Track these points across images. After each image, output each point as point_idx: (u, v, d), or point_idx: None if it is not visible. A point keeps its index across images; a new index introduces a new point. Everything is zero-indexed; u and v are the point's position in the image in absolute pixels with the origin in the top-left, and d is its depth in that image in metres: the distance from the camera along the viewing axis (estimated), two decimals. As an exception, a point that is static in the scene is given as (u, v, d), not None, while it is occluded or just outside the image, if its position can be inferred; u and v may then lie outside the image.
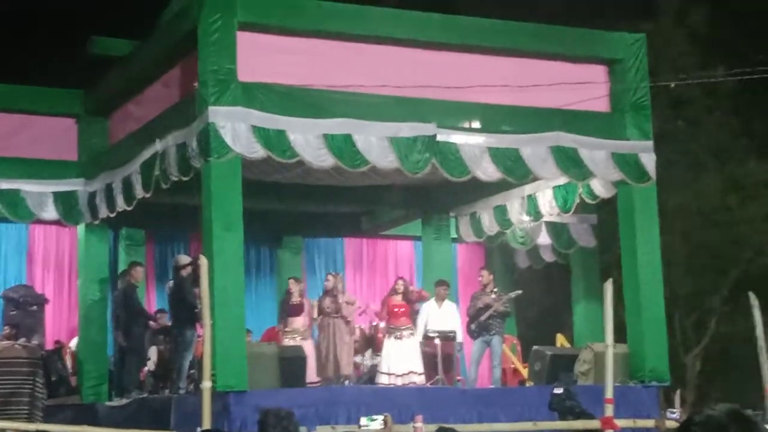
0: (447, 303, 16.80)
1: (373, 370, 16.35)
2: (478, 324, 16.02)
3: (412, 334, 15.90)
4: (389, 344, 15.77)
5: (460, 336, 16.64)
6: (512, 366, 17.77)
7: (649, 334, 14.79)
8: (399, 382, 15.31)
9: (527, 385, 16.18)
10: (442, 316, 16.51)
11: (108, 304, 16.99)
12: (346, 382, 15.53)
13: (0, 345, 16.59)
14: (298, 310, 16.05)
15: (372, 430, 9.36)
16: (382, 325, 16.54)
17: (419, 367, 15.69)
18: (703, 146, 26.49)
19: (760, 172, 26.41)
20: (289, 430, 6.68)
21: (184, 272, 15.49)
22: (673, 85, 19.94)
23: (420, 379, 15.55)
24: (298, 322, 15.98)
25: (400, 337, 15.77)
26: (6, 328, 16.94)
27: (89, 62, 17.07)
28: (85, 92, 17.18)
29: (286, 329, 15.91)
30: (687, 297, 25.20)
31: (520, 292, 16.94)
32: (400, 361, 15.60)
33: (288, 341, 15.53)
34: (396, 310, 16.00)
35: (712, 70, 24.08)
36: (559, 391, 11.70)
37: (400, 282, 16.52)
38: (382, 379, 15.53)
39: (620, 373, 14.03)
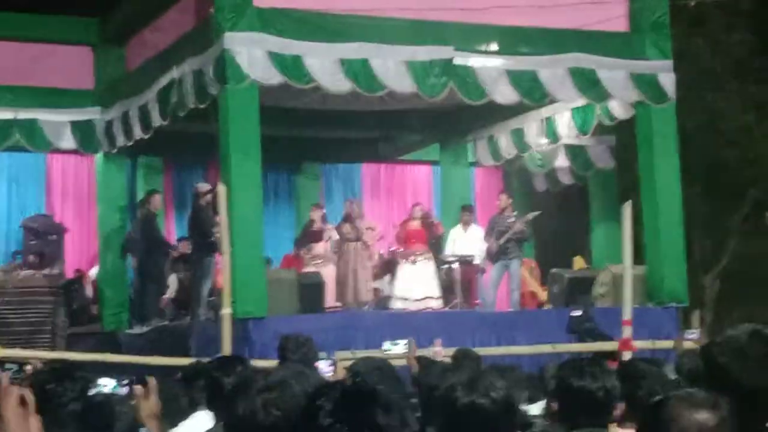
0: (472, 228, 16.86)
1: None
2: (498, 246, 16.04)
3: (427, 259, 15.95)
4: (405, 269, 15.83)
5: (481, 260, 16.69)
6: (530, 289, 17.81)
7: (668, 255, 14.78)
8: (414, 307, 15.38)
9: (545, 308, 16.23)
10: (468, 241, 16.58)
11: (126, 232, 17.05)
12: (366, 307, 15.61)
13: (21, 274, 16.72)
14: (319, 236, 16.15)
15: (395, 354, 9.40)
16: (385, 251, 16.58)
17: (436, 291, 15.75)
18: (723, 65, 26.24)
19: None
20: (308, 355, 6.75)
21: (204, 200, 15.51)
22: (692, 2, 19.72)
23: (437, 304, 15.62)
24: (320, 247, 16.11)
25: (415, 262, 15.82)
26: (30, 256, 17.03)
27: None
28: (101, 20, 17.10)
29: (309, 255, 16.02)
30: (706, 217, 25.13)
31: (538, 213, 16.96)
32: (416, 286, 15.66)
33: (311, 267, 15.62)
34: (412, 235, 16.03)
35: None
36: (577, 313, 11.77)
37: (417, 208, 16.55)
38: (397, 304, 15.61)
39: (639, 294, 14.05)
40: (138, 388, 5.00)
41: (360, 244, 15.83)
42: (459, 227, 16.85)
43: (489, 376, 3.66)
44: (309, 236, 16.16)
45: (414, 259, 15.85)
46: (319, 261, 15.91)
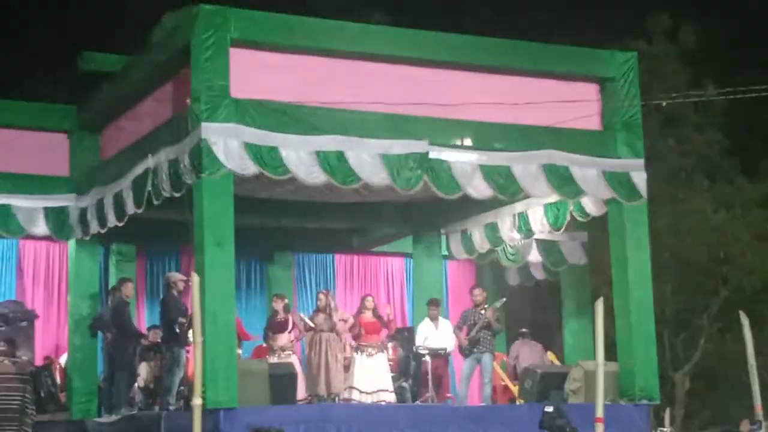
0: (442, 321, 16.91)
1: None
2: (469, 340, 16.02)
3: (381, 351, 15.93)
4: (360, 361, 15.78)
5: (451, 353, 16.67)
6: (502, 383, 17.77)
7: (640, 352, 14.80)
8: (369, 399, 15.33)
9: (517, 402, 16.17)
10: (440, 334, 16.58)
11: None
12: (336, 400, 15.51)
13: (-10, 360, 16.54)
14: (282, 326, 16.13)
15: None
16: (353, 343, 16.51)
17: (389, 384, 15.71)
18: (694, 165, 26.56)
19: (749, 191, 26.49)
20: (280, 448, 6.69)
21: (175, 289, 15.49)
22: (664, 103, 20.02)
23: (390, 397, 15.56)
24: (283, 338, 16.06)
25: (371, 355, 15.77)
26: (1, 343, 16.85)
27: (80, 77, 17.05)
28: (77, 107, 17.17)
29: (272, 345, 15.97)
30: (676, 315, 25.23)
31: (505, 300, 17.02)
32: (371, 378, 15.60)
33: (273, 358, 15.55)
34: (367, 327, 16.00)
35: (703, 88, 24.16)
36: (549, 409, 11.71)
37: (369, 298, 16.52)
38: (354, 395, 15.55)
39: (610, 391, 14.04)
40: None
41: (332, 335, 15.78)
42: (428, 321, 16.85)
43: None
44: (272, 327, 16.14)
45: (370, 352, 15.80)
46: (283, 352, 15.84)
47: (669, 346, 25.02)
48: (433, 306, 16.95)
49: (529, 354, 17.40)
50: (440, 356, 16.45)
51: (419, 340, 16.59)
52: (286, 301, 16.79)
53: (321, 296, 16.27)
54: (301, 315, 16.47)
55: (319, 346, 15.70)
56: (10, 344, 16.83)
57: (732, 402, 22.58)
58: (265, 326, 16.61)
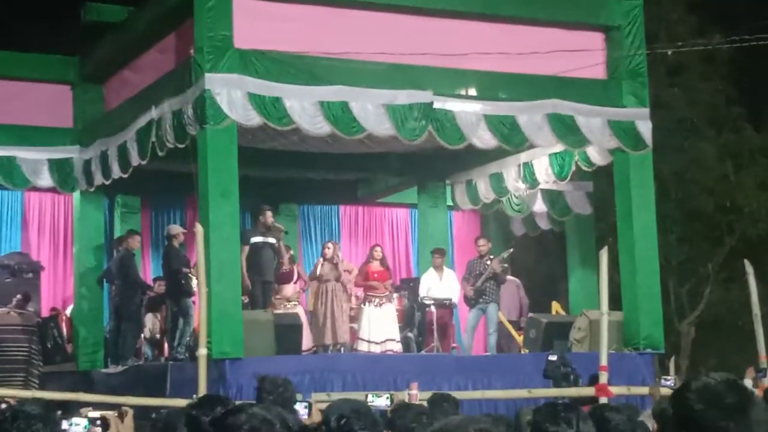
0: (446, 271, 16.85)
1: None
2: (475, 290, 16.04)
3: (389, 301, 15.96)
4: (368, 311, 15.81)
5: (457, 303, 16.69)
6: (507, 333, 17.80)
7: (644, 301, 14.82)
8: (377, 349, 15.38)
9: (522, 352, 16.22)
10: (444, 284, 16.56)
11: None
12: (342, 349, 15.57)
13: (-5, 312, 16.60)
14: (287, 277, 16.15)
15: (377, 406, 9.32)
16: (359, 293, 16.56)
17: (396, 334, 15.76)
18: (699, 114, 26.44)
19: (755, 140, 26.39)
20: (285, 396, 6.70)
21: (176, 241, 15.54)
22: (670, 52, 19.91)
23: (397, 347, 15.61)
24: (288, 289, 16.09)
25: (379, 305, 15.81)
26: (18, 296, 16.88)
27: (83, 28, 16.98)
28: (80, 59, 17.12)
29: (277, 296, 16.00)
30: (682, 264, 25.22)
31: (511, 250, 17.00)
32: (379, 328, 15.64)
33: (279, 309, 15.58)
34: (374, 276, 16.03)
35: (709, 37, 24.00)
36: (553, 357, 11.75)
37: (378, 248, 16.52)
38: (362, 346, 15.61)
39: (615, 340, 14.08)
40: (111, 415, 4.95)
41: (338, 285, 15.81)
42: (432, 271, 16.81)
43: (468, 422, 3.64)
44: (277, 278, 16.14)
45: (378, 302, 15.83)
46: (288, 303, 15.88)
47: (674, 295, 25.05)
48: (438, 255, 16.88)
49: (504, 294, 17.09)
50: (445, 306, 16.46)
51: (423, 290, 16.59)
52: (291, 252, 16.80)
53: (329, 246, 16.27)
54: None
55: (325, 296, 15.73)
56: (24, 297, 16.89)
57: (737, 350, 22.61)
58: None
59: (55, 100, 16.97)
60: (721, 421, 3.30)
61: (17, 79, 16.80)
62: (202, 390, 10.38)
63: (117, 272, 16.09)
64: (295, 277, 16.27)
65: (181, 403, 8.02)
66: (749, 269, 13.86)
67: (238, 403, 4.19)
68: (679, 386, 3.49)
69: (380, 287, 15.95)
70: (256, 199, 16.86)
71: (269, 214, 15.86)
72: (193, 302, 15.05)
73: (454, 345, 16.78)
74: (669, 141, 22.14)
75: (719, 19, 24.17)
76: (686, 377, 21.35)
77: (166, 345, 16.35)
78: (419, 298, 16.61)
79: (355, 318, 16.44)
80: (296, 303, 16.10)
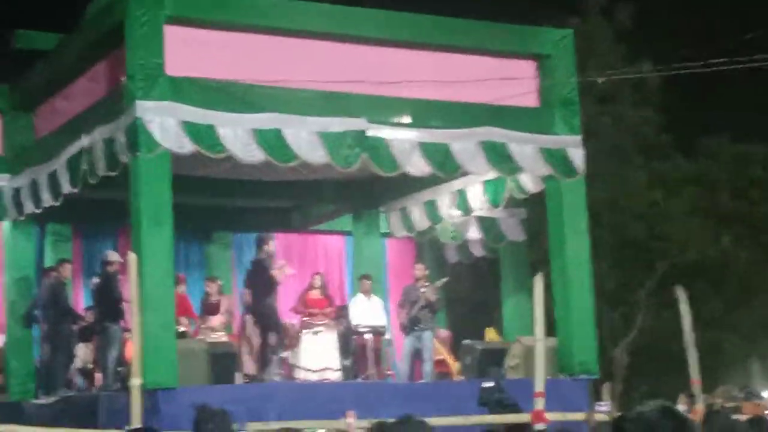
0: (374, 297, 16.90)
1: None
2: (410, 318, 16.04)
3: (329, 329, 15.94)
4: (306, 339, 15.80)
5: (389, 330, 16.70)
6: (441, 358, 17.78)
7: (578, 327, 14.91)
8: (314, 377, 15.34)
9: (458, 379, 16.22)
10: (371, 310, 16.58)
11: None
12: (276, 378, 15.47)
13: None
14: (214, 308, 16.10)
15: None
16: (297, 321, 16.53)
17: (335, 363, 15.72)
18: (630, 142, 26.77)
19: (684, 167, 26.77)
20: (222, 427, 6.63)
21: (111, 268, 15.37)
22: (600, 80, 20.13)
23: (335, 375, 15.57)
24: (216, 320, 16.03)
25: (316, 333, 15.79)
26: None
27: (13, 56, 16.80)
28: (10, 86, 16.92)
29: (203, 326, 15.93)
30: (614, 290, 25.46)
31: (446, 279, 17.06)
32: (317, 356, 15.61)
33: (205, 338, 15.49)
34: (314, 304, 16.00)
35: (638, 66, 24.33)
36: (488, 384, 11.78)
37: (318, 277, 16.58)
38: (300, 375, 15.56)
39: (550, 366, 14.12)
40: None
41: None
42: (360, 296, 16.84)
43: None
44: (205, 308, 16.13)
45: (316, 330, 15.82)
46: (213, 333, 15.78)
47: (607, 320, 25.26)
48: (366, 280, 16.96)
49: None
50: (379, 333, 16.47)
51: (354, 317, 16.58)
52: (220, 282, 16.75)
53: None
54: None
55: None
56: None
57: (670, 376, 22.83)
58: (200, 307, 16.58)
59: (-17, 128, 16.74)
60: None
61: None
62: (136, 421, 10.26)
63: (47, 301, 15.87)
64: (222, 308, 16.23)
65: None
66: (681, 296, 13.96)
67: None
68: (616, 416, 3.51)
69: (318, 315, 15.91)
70: (189, 227, 16.74)
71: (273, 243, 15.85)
72: (124, 330, 14.89)
73: (389, 372, 16.75)
74: (600, 168, 22.36)
75: (648, 48, 24.52)
76: (620, 403, 21.53)
77: (97, 375, 16.14)
78: (353, 325, 16.58)
79: (290, 346, 16.37)
80: (222, 333, 15.99)
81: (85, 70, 14.99)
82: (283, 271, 15.69)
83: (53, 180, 15.04)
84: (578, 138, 15.42)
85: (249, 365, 15.53)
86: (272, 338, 15.31)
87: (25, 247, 17.00)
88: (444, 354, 17.68)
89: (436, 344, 16.84)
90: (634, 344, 26.51)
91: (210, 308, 16.16)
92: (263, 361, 15.22)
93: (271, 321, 15.39)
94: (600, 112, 25.76)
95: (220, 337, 15.79)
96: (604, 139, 24.91)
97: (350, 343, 16.69)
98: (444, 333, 18.07)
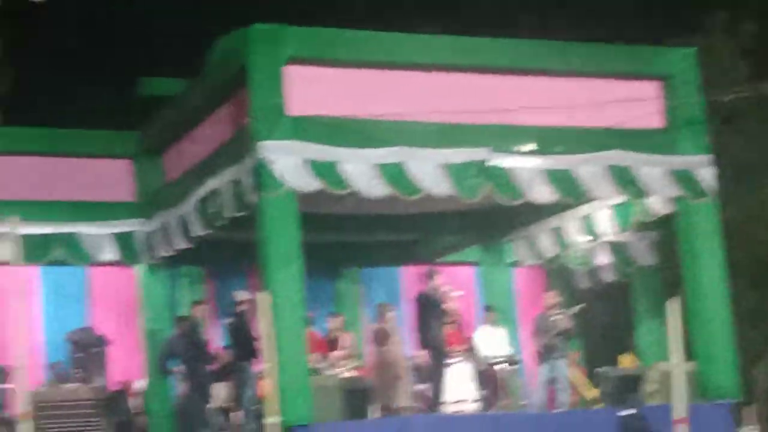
0: (499, 328, 16.87)
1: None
2: (545, 346, 15.88)
3: (464, 360, 15.86)
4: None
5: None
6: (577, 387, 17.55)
7: (717, 349, 14.58)
8: (451, 409, 15.26)
9: (597, 407, 15.97)
10: (497, 340, 16.54)
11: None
12: (413, 412, 15.42)
13: (65, 387, 16.65)
14: (333, 344, 16.11)
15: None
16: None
17: (472, 394, 15.62)
18: (760, 158, 26.21)
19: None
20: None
21: (242, 307, 15.50)
22: (726, 99, 19.74)
23: (473, 407, 15.46)
24: (334, 355, 16.02)
25: (453, 365, 15.75)
26: (77, 371, 16.95)
27: (140, 103, 17.17)
28: (140, 133, 17.28)
29: (324, 364, 15.97)
30: (753, 310, 24.85)
31: (582, 305, 16.85)
32: (453, 388, 15.55)
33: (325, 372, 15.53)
34: (448, 337, 15.98)
35: (763, 82, 23.83)
36: (628, 412, 11.55)
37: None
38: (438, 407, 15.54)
39: (689, 391, 13.81)
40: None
41: (394, 348, 15.73)
42: (486, 327, 16.82)
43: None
44: (327, 344, 16.19)
45: (453, 362, 15.77)
46: (331, 368, 15.77)
47: (747, 341, 24.65)
48: (490, 312, 17.15)
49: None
50: (513, 362, 16.37)
51: (479, 346, 16.53)
52: (342, 318, 16.77)
53: (378, 308, 16.31)
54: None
55: (383, 360, 15.66)
56: (84, 370, 16.93)
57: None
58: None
59: (116, 174, 17.13)
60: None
61: (78, 155, 17.00)
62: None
63: (185, 343, 16.04)
64: (341, 343, 16.26)
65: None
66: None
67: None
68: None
69: (453, 346, 15.89)
70: (318, 263, 16.80)
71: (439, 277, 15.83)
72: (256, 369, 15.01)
73: (523, 402, 16.58)
74: (732, 187, 21.94)
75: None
76: (766, 426, 20.94)
77: (234, 414, 16.26)
78: (483, 356, 16.50)
79: (425, 378, 16.33)
80: (342, 369, 15.95)
81: (211, 113, 15.24)
82: (452, 297, 15.64)
83: (184, 223, 15.29)
84: (707, 157, 15.12)
85: (383, 399, 15.50)
86: (439, 375, 15.20)
87: (160, 289, 17.28)
88: (580, 381, 17.43)
89: (573, 371, 16.64)
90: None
91: (330, 344, 16.19)
92: (436, 394, 15.12)
93: (440, 356, 15.28)
94: (726, 131, 25.28)
95: (341, 372, 15.76)
96: (734, 157, 24.42)
97: (483, 374, 16.59)
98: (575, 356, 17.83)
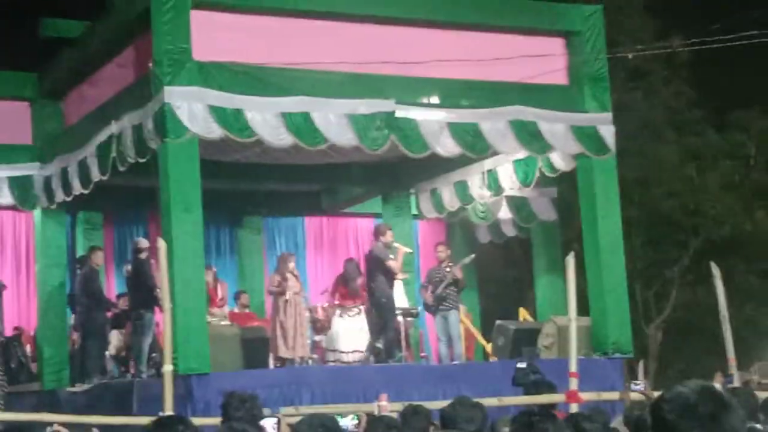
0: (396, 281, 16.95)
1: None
2: (435, 297, 15.93)
3: (359, 313, 15.96)
4: (337, 323, 15.85)
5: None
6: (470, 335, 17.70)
7: (612, 306, 14.82)
8: (345, 359, 15.35)
9: (491, 360, 16.16)
10: (397, 293, 16.57)
11: (67, 289, 16.81)
12: (309, 362, 15.46)
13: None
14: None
15: (344, 426, 9.18)
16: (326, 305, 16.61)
17: (364, 345, 15.75)
18: (661, 117, 26.57)
19: (717, 142, 26.54)
20: (252, 412, 6.60)
21: (143, 255, 15.37)
22: (630, 56, 19.97)
23: (369, 358, 15.58)
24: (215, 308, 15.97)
25: (351, 316, 15.85)
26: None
27: (41, 44, 16.81)
28: (39, 75, 16.94)
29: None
30: (648, 268, 25.31)
31: (473, 256, 16.93)
32: (348, 339, 15.65)
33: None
34: (345, 292, 16.06)
35: (668, 41, 24.12)
36: (522, 365, 11.69)
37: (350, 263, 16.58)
38: (330, 357, 15.60)
39: (583, 345, 14.05)
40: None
41: (295, 298, 15.73)
42: None
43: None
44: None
45: (348, 313, 15.87)
46: (213, 319, 15.71)
47: (641, 299, 25.12)
48: None
49: None
50: (412, 315, 16.44)
51: None
52: (215, 270, 16.63)
53: (292, 259, 16.25)
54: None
55: (293, 309, 15.64)
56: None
57: (705, 353, 22.69)
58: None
59: (13, 116, 16.77)
60: (695, 430, 3.24)
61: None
62: (168, 408, 10.24)
63: (81, 290, 15.91)
64: (219, 294, 16.21)
65: (146, 421, 7.89)
66: (716, 272, 13.85)
67: (198, 422, 4.09)
68: (654, 398, 3.42)
69: (350, 299, 15.98)
70: (219, 212, 16.71)
71: (390, 233, 15.70)
72: (156, 317, 14.91)
73: (422, 354, 16.71)
74: (631, 145, 22.21)
75: (678, 23, 24.30)
76: (655, 381, 21.39)
77: (131, 362, 16.18)
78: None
79: (321, 329, 16.37)
80: (218, 319, 15.86)
81: (113, 56, 14.99)
82: (400, 254, 15.58)
83: (83, 167, 15.06)
84: (608, 115, 15.30)
85: (282, 349, 15.51)
86: (389, 330, 15.17)
87: (57, 235, 17.02)
88: (476, 333, 17.62)
89: (466, 322, 16.79)
90: (668, 322, 26.35)
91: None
92: (389, 349, 15.13)
93: (389, 312, 15.24)
94: (630, 89, 25.57)
95: (218, 322, 15.66)
96: (635, 116, 24.72)
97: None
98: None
